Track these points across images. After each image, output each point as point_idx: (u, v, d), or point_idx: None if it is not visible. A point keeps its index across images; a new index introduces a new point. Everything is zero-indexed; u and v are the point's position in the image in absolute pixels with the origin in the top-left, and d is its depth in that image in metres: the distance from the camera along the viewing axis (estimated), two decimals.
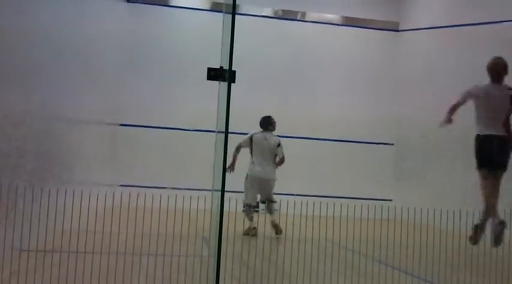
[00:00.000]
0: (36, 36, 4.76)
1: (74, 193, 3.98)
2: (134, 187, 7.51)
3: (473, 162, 8.58)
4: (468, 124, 8.74)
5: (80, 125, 6.65)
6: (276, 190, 8.37)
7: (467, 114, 8.73)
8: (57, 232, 4.32)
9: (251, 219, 6.58)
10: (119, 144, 9.11)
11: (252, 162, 6.84)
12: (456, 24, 9.12)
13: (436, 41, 9.55)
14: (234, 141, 5.51)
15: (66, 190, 3.85)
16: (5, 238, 3.80)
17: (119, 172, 8.91)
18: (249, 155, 6.91)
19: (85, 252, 4.04)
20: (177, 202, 4.26)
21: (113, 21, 8.49)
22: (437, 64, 9.42)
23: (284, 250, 5.00)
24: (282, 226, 6.07)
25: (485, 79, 8.55)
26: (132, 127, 9.29)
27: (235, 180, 5.86)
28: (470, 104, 8.86)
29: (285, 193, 7.29)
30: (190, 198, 4.43)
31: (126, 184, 8.65)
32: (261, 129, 7.01)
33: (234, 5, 3.72)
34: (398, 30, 10.25)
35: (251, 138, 6.91)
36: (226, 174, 3.67)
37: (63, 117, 5.80)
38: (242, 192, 6.78)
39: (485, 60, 8.58)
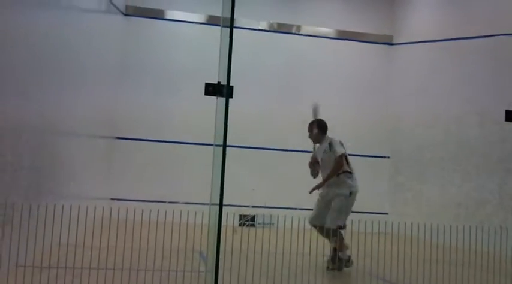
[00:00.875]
0: (31, 50, 4.76)
1: (71, 207, 3.96)
2: (130, 201, 7.47)
3: (468, 175, 8.65)
4: (463, 138, 8.82)
5: (75, 139, 6.63)
6: (271, 203, 8.35)
7: (462, 127, 8.80)
8: (54, 247, 4.29)
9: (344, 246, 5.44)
10: (115, 157, 9.07)
11: (351, 176, 5.70)
12: (449, 37, 9.20)
13: (430, 54, 9.63)
14: (231, 154, 5.50)
15: (63, 205, 3.82)
16: (0, 254, 3.76)
17: (115, 186, 8.86)
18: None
19: (81, 268, 4.00)
20: (174, 216, 4.24)
21: (110, 34, 8.50)
22: (431, 77, 9.49)
23: (282, 264, 4.98)
24: (279, 240, 6.04)
25: (477, 92, 8.65)
26: (128, 141, 9.27)
27: (233, 194, 5.83)
28: (464, 119, 8.91)
29: (281, 207, 7.28)
30: (188, 212, 4.41)
31: (122, 198, 8.60)
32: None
33: (232, 20, 3.74)
34: (392, 44, 10.33)
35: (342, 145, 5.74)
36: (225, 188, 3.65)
37: (59, 131, 5.78)
38: (240, 206, 6.70)
39: (479, 73, 8.71)
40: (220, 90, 3.63)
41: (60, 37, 5.58)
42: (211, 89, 3.66)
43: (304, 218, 5.21)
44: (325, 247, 5.33)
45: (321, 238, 5.38)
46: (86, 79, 6.79)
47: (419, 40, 9.84)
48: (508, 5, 8.28)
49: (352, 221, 5.08)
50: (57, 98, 5.55)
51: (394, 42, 10.32)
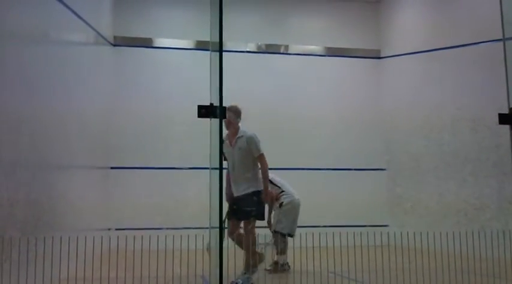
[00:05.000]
0: (21, 85, 4.77)
1: (69, 239, 3.92)
2: (129, 230, 7.40)
3: (465, 182, 8.66)
4: (458, 146, 8.85)
5: (70, 171, 6.59)
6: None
7: (456, 134, 8.84)
8: (54, 280, 4.22)
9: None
10: (111, 187, 9.01)
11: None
12: (436, 47, 9.32)
13: (418, 65, 9.72)
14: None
15: (61, 237, 3.78)
16: None
17: (112, 216, 8.78)
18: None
19: None
20: (174, 242, 4.21)
21: (100, 65, 8.54)
22: (422, 87, 9.57)
23: None
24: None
25: (468, 99, 8.73)
26: (123, 169, 9.23)
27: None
28: (457, 126, 8.93)
29: None
30: (188, 237, 4.37)
31: (120, 227, 8.52)
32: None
33: (221, 44, 3.78)
34: (380, 57, 10.44)
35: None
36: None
37: (53, 164, 5.75)
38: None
39: (468, 80, 8.80)
40: (213, 111, 3.64)
41: (50, 71, 5.59)
42: (204, 111, 3.67)
43: (306, 235, 5.18)
44: (329, 263, 5.28)
45: (325, 254, 5.33)
46: (77, 111, 6.79)
47: (406, 52, 9.95)
48: (493, 11, 8.37)
49: (354, 234, 5.05)
50: (49, 131, 5.53)
51: (382, 55, 10.43)
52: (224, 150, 5.39)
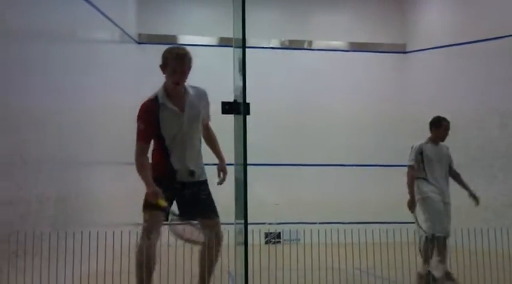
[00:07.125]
0: (48, 83, 4.86)
1: (97, 234, 3.99)
2: None
3: (495, 178, 8.49)
4: (486, 141, 8.68)
5: (97, 167, 6.70)
6: (296, 219, 8.28)
7: (483, 129, 8.67)
8: (84, 275, 4.30)
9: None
10: (137, 182, 9.09)
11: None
12: (463, 41, 9.15)
13: (444, 59, 9.57)
14: (253, 173, 5.50)
15: (89, 232, 3.85)
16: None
17: (139, 211, 8.88)
18: None
19: None
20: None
21: (125, 63, 8.64)
22: (448, 82, 9.42)
23: (312, 281, 4.92)
24: (307, 255, 5.98)
25: (496, 93, 8.55)
26: None
27: (257, 212, 5.79)
28: (484, 121, 8.75)
29: (306, 221, 7.24)
30: None
31: None
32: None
33: (244, 40, 3.78)
34: (406, 52, 10.30)
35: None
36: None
37: (80, 161, 5.86)
38: (264, 223, 6.66)
39: (495, 73, 8.61)
40: (237, 107, 3.64)
41: (76, 69, 5.69)
42: (228, 107, 3.68)
43: (331, 231, 5.15)
44: (355, 259, 5.23)
45: (350, 251, 5.28)
46: (102, 108, 6.88)
47: (433, 46, 9.80)
48: None
49: (379, 230, 5.01)
50: (75, 128, 5.63)
51: (407, 50, 10.29)
52: (166, 119, 4.09)
